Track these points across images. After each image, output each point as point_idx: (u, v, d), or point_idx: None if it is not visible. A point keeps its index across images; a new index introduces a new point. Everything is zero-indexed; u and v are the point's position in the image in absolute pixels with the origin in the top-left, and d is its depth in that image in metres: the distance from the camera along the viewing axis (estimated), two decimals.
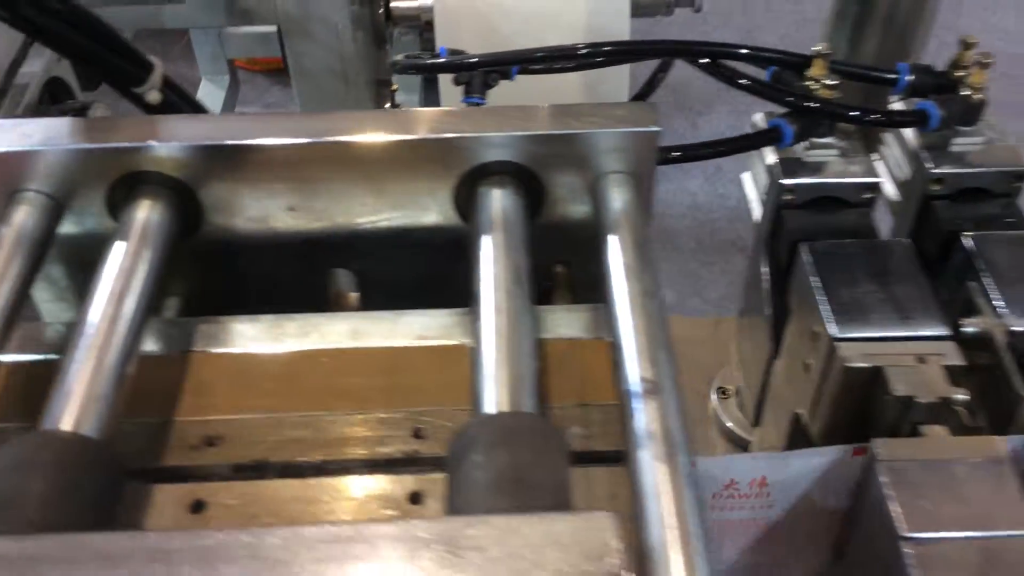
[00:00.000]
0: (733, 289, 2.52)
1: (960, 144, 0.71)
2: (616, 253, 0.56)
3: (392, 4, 1.37)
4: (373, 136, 0.58)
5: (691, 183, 2.72)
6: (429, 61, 0.79)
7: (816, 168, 0.71)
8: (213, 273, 0.65)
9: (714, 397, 1.01)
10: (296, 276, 0.65)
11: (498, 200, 0.59)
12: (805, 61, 0.72)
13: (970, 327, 0.62)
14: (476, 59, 0.77)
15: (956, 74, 0.71)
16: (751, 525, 0.58)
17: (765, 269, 0.73)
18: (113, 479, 0.48)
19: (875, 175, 0.70)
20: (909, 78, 0.73)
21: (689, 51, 0.72)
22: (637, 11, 1.04)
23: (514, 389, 0.49)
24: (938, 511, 0.51)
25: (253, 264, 0.64)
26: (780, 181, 0.70)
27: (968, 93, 0.70)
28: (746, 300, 0.80)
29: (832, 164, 0.71)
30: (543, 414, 0.52)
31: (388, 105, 1.60)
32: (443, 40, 1.17)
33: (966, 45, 0.70)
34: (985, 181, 0.70)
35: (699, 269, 2.56)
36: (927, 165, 0.70)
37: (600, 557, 0.39)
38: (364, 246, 0.63)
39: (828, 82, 0.70)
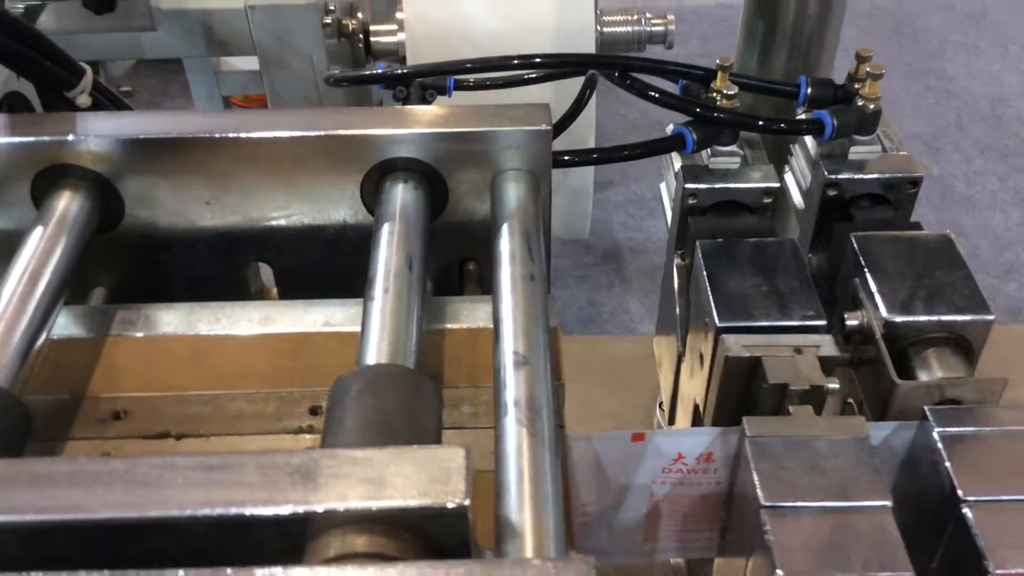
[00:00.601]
0: None
1: (857, 152, 0.74)
2: (505, 241, 0.60)
3: (372, 39, 1.42)
4: (281, 132, 0.62)
5: None
6: (359, 73, 0.83)
7: (718, 174, 0.74)
8: (137, 265, 0.68)
9: (657, 412, 1.03)
10: (216, 270, 0.68)
11: (399, 194, 0.62)
12: (709, 74, 0.75)
13: (852, 320, 0.66)
14: (404, 71, 0.81)
15: (854, 87, 0.75)
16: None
17: (674, 271, 0.76)
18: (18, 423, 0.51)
19: (774, 181, 0.74)
20: (808, 91, 0.76)
21: (601, 64, 0.76)
22: (608, 48, 1.08)
23: (393, 345, 0.53)
24: (796, 482, 0.54)
25: (175, 257, 0.68)
26: (684, 186, 0.73)
27: (862, 104, 0.74)
28: (661, 307, 0.83)
29: (734, 171, 0.74)
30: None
31: None
32: None
33: (860, 58, 0.74)
34: (880, 187, 0.73)
35: None
36: (824, 172, 0.73)
37: (445, 481, 0.42)
38: (280, 240, 0.67)
39: (727, 92, 0.73)
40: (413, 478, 0.42)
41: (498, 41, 1.16)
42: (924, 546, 0.56)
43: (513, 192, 0.63)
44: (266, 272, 0.70)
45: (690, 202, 0.74)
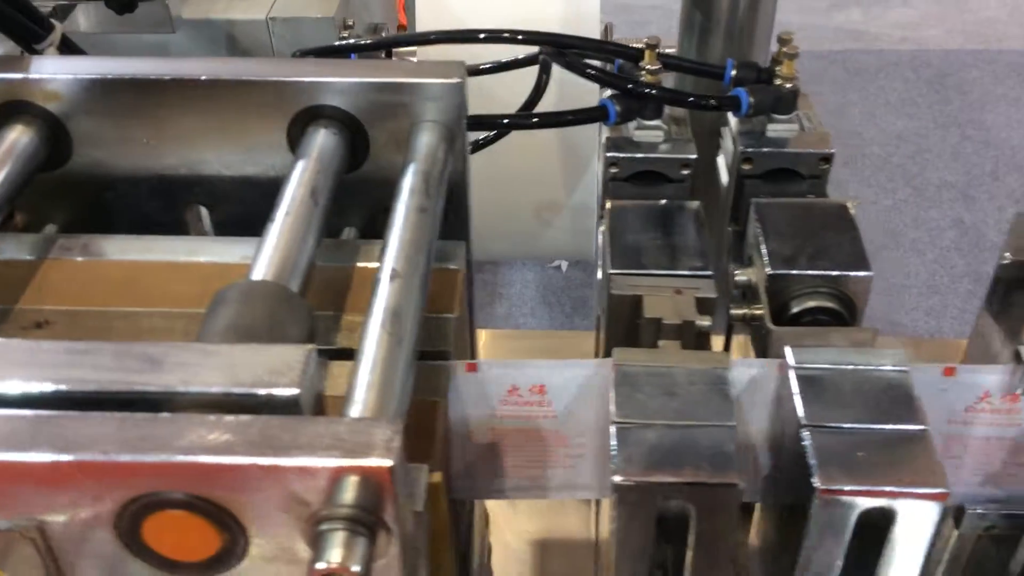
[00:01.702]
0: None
1: (775, 130, 0.78)
2: (407, 179, 0.64)
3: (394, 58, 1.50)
4: (209, 76, 0.68)
5: None
6: (325, 46, 0.88)
7: (640, 145, 0.78)
8: (85, 204, 0.74)
9: None
10: (158, 212, 0.74)
11: (319, 139, 0.67)
12: (640, 53, 0.80)
13: (741, 276, 0.69)
14: (370, 41, 0.87)
15: (775, 68, 0.79)
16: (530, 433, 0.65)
17: (598, 235, 0.80)
18: None
19: (692, 154, 0.77)
20: (733, 72, 0.80)
21: (535, 40, 0.81)
22: None
23: (279, 266, 0.57)
24: (649, 404, 0.57)
25: (120, 198, 0.74)
26: (606, 155, 0.78)
27: (780, 83, 0.77)
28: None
29: (655, 143, 0.78)
30: None
31: None
32: None
33: (781, 41, 0.78)
34: (793, 162, 0.77)
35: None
36: (739, 146, 0.77)
37: (283, 373, 0.47)
38: (215, 185, 0.73)
39: (651, 68, 0.78)
40: (255, 369, 0.46)
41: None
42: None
43: (425, 139, 0.67)
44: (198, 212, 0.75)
45: (612, 171, 0.78)
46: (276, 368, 0.46)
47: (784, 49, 0.77)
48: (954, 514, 0.69)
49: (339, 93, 0.68)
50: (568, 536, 1.05)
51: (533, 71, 0.82)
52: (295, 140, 0.69)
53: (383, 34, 1.59)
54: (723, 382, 0.59)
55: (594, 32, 1.22)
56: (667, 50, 0.93)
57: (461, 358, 0.67)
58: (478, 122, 0.74)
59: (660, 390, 0.58)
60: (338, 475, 0.42)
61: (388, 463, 0.41)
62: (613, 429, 0.56)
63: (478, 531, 0.94)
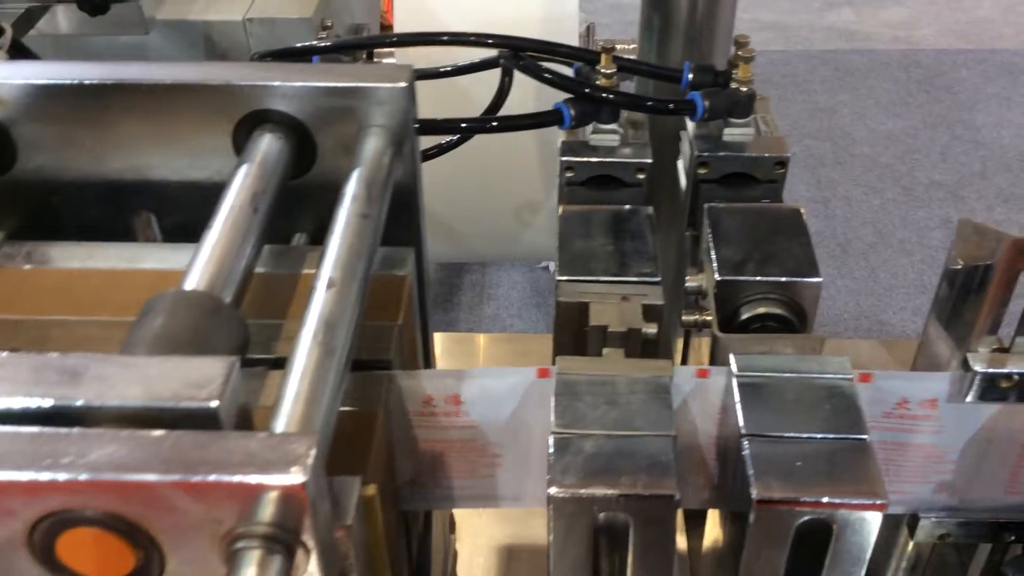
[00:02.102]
0: None
1: (731, 134, 0.77)
2: (351, 185, 0.63)
3: (375, 59, 1.49)
4: (152, 81, 0.67)
5: None
6: (283, 48, 0.88)
7: (596, 149, 0.77)
8: (31, 211, 0.73)
9: None
10: (105, 218, 0.73)
11: (262, 144, 0.67)
12: (597, 56, 0.79)
13: (692, 282, 0.68)
14: (327, 45, 0.86)
15: (732, 72, 0.78)
16: (446, 443, 0.64)
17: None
18: None
19: (647, 158, 0.77)
20: (690, 76, 0.79)
21: (490, 44, 0.80)
22: None
23: (214, 275, 0.57)
24: (589, 413, 0.57)
25: (66, 204, 0.73)
26: (560, 159, 0.77)
27: (736, 87, 0.77)
28: None
29: (611, 147, 0.78)
30: None
31: None
32: None
33: (737, 44, 0.77)
34: (748, 166, 0.76)
35: None
36: (695, 150, 0.76)
37: (202, 385, 0.46)
38: (162, 190, 0.72)
39: (605, 72, 0.77)
40: (173, 383, 0.45)
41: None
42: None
43: (371, 145, 0.67)
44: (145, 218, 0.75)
45: (567, 175, 0.77)
46: (195, 381, 0.46)
47: (740, 52, 0.76)
48: (908, 522, 0.69)
49: (284, 97, 0.67)
50: (535, 542, 1.05)
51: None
52: (241, 145, 0.69)
53: (364, 35, 1.59)
54: (664, 391, 0.58)
55: (572, 31, 1.22)
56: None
57: (409, 367, 0.66)
58: (433, 126, 0.73)
59: (601, 399, 0.57)
60: (252, 492, 0.41)
61: (301, 479, 0.41)
62: (551, 439, 0.55)
63: (440, 538, 0.93)
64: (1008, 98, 3.27)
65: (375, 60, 1.44)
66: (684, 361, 0.76)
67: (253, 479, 0.40)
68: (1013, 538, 0.68)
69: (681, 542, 0.86)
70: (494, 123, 0.76)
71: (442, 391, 0.61)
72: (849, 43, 3.49)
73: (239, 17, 1.55)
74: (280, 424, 0.47)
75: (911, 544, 0.70)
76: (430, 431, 0.63)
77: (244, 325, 0.55)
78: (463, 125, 0.76)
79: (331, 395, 0.51)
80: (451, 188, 1.78)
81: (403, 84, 0.66)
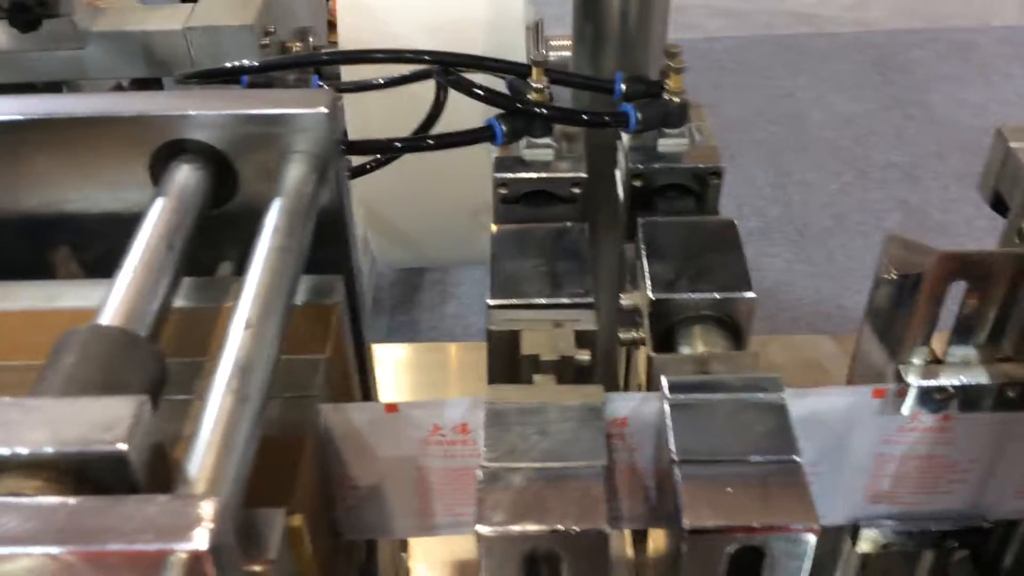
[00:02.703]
0: None
1: (665, 145, 0.76)
2: (271, 216, 0.62)
3: None
4: (64, 113, 0.65)
5: None
6: (209, 69, 0.86)
7: (529, 165, 0.76)
8: None
9: None
10: (24, 254, 0.71)
11: (179, 176, 0.65)
12: (528, 68, 0.78)
13: (626, 300, 0.67)
14: (253, 64, 0.84)
15: (664, 82, 0.77)
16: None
17: None
18: None
19: (582, 171, 0.75)
20: (623, 87, 0.78)
21: (418, 60, 0.78)
22: None
23: (129, 310, 0.55)
24: (519, 444, 0.56)
25: None
26: (494, 175, 0.76)
27: (669, 98, 0.75)
28: None
29: (545, 162, 0.76)
30: None
31: None
32: None
33: (669, 54, 0.76)
34: (683, 177, 0.75)
35: None
36: (629, 163, 0.75)
37: (110, 428, 0.44)
38: (80, 225, 0.70)
39: (536, 86, 0.76)
40: (79, 426, 0.44)
41: (431, 34, 1.20)
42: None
43: (293, 172, 0.65)
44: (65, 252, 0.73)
45: (501, 192, 0.76)
46: (103, 423, 0.44)
47: (671, 63, 0.75)
48: (850, 533, 0.68)
49: (201, 127, 0.65)
50: None
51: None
52: (158, 176, 0.67)
53: (310, 39, 1.57)
54: (596, 418, 0.57)
55: (518, 32, 1.20)
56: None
57: (341, 399, 0.65)
58: (363, 146, 0.72)
59: (532, 428, 0.56)
60: (154, 560, 0.39)
61: (204, 546, 0.39)
62: (479, 473, 0.54)
63: (391, 558, 0.92)
64: (961, 77, 3.29)
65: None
66: (627, 378, 0.75)
67: (154, 547, 0.39)
68: (957, 544, 0.68)
69: (629, 552, 0.86)
70: (427, 141, 0.74)
71: (451, 419, 0.60)
72: (809, 26, 3.49)
73: (179, 27, 1.52)
74: (189, 478, 0.46)
75: (855, 553, 0.70)
76: (438, 460, 0.62)
77: (161, 361, 0.54)
78: (396, 144, 0.75)
79: (244, 444, 0.49)
80: (405, 194, 1.76)
81: (324, 110, 0.65)
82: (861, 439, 0.62)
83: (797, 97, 3.23)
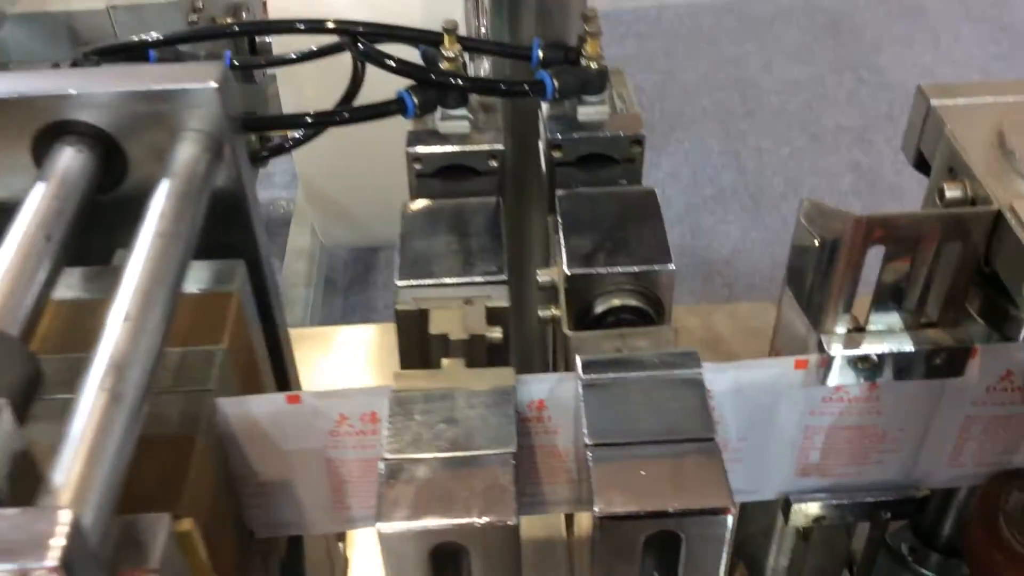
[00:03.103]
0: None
1: (585, 113, 0.73)
2: (158, 199, 0.58)
3: (258, 40, 1.42)
4: None
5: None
6: (113, 44, 0.81)
7: (444, 138, 0.73)
8: None
9: None
10: None
11: (62, 159, 0.61)
12: (440, 36, 0.74)
13: (543, 276, 0.64)
14: (160, 38, 0.80)
15: (583, 48, 0.74)
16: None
17: None
18: None
19: (499, 143, 0.72)
20: (540, 53, 0.75)
21: (325, 30, 0.75)
22: None
23: None
24: (423, 434, 0.53)
25: None
26: (407, 150, 0.72)
27: (587, 64, 0.72)
28: None
29: (461, 134, 0.73)
30: None
31: None
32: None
33: (586, 19, 0.73)
34: (603, 146, 0.72)
35: None
36: (547, 133, 0.72)
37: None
38: None
39: (448, 55, 0.72)
40: None
41: (367, 5, 1.15)
42: None
43: (183, 152, 0.61)
44: None
45: (416, 166, 0.72)
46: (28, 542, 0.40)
47: (587, 28, 0.72)
48: (782, 507, 0.66)
49: (83, 106, 0.61)
50: None
51: None
52: (41, 160, 0.63)
53: (243, 14, 1.51)
54: (507, 402, 0.54)
55: (455, 7, 1.15)
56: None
57: (247, 391, 0.62)
58: (267, 123, 0.68)
59: (438, 416, 0.53)
60: None
61: (55, 563, 0.36)
62: (381, 466, 0.51)
63: (326, 550, 0.89)
64: (910, 37, 3.28)
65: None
66: (554, 356, 0.73)
67: (2, 567, 0.36)
68: (891, 515, 0.66)
69: (563, 533, 0.83)
70: (335, 117, 0.70)
71: (356, 409, 0.57)
72: None
73: (102, 5, 1.47)
74: (53, 487, 0.42)
75: (788, 529, 0.68)
76: (348, 451, 0.59)
77: (33, 360, 0.50)
78: (304, 120, 0.71)
79: (119, 447, 0.46)
80: (346, 173, 1.72)
81: (212, 84, 0.61)
82: (787, 412, 0.60)
83: (745, 63, 3.21)
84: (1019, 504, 0.61)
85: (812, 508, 0.65)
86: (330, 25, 0.75)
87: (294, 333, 0.85)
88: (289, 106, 1.55)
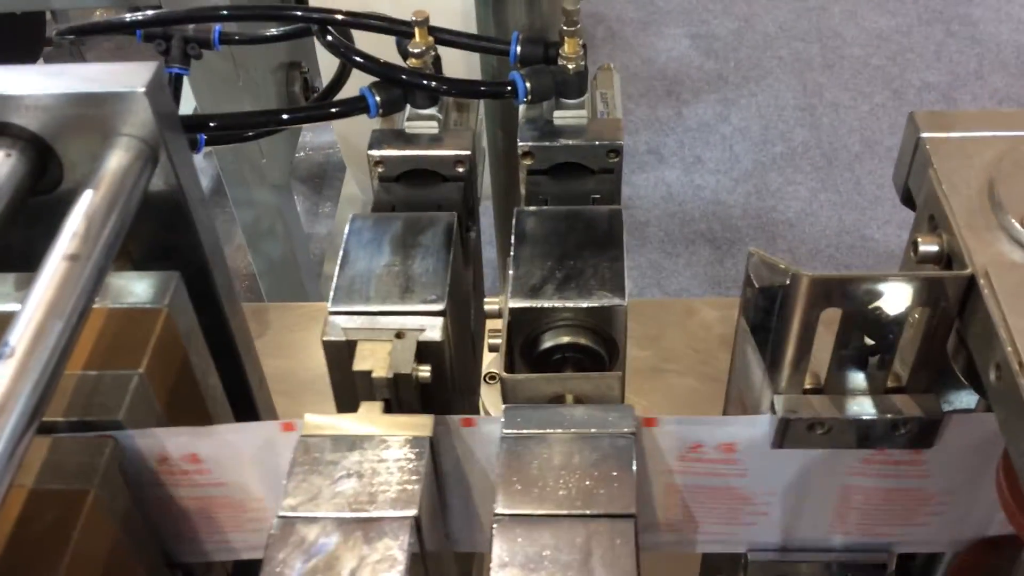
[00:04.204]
0: (695, 281, 2.48)
1: (562, 117, 0.68)
2: (74, 216, 0.55)
3: None
4: None
5: (668, 173, 2.68)
6: (89, 22, 0.78)
7: (410, 140, 0.68)
8: None
9: None
10: None
11: None
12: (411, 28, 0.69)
13: (491, 305, 0.60)
14: (129, 20, 0.77)
15: (560, 48, 0.68)
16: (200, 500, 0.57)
17: None
18: None
19: (466, 148, 0.67)
20: (518, 48, 0.69)
21: (293, 18, 0.70)
22: None
23: None
24: (323, 488, 0.49)
25: None
26: (368, 152, 0.68)
27: (563, 63, 0.67)
28: None
29: (429, 136, 0.68)
30: None
31: (299, 87, 1.61)
32: None
33: (564, 13, 0.67)
34: (578, 155, 0.67)
35: (663, 260, 2.53)
36: (518, 139, 0.67)
37: None
38: None
39: (415, 50, 0.67)
40: None
41: None
42: None
43: (112, 159, 0.58)
44: None
45: (378, 170, 0.68)
46: None
47: (565, 25, 0.66)
48: (742, 562, 0.61)
49: (12, 108, 0.58)
50: None
51: None
52: None
53: None
54: (419, 458, 0.50)
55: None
56: None
57: (180, 418, 0.59)
58: (197, 123, 0.64)
59: (343, 470, 0.50)
60: None
61: None
62: (275, 522, 0.48)
63: None
64: None
65: None
66: None
67: None
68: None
69: None
70: (291, 116, 0.66)
71: (178, 450, 0.53)
72: None
73: None
74: None
75: None
76: (180, 489, 0.56)
77: None
78: (259, 119, 0.67)
79: None
80: None
81: (140, 89, 0.57)
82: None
83: (828, 11, 3.07)
84: (996, 574, 0.56)
85: (771, 565, 0.60)
86: (299, 13, 0.71)
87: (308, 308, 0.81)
88: None
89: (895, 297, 0.46)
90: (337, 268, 0.60)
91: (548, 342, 0.57)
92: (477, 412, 0.76)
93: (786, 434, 0.51)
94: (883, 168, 2.66)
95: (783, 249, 2.48)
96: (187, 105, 1.90)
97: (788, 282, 0.45)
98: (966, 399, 0.56)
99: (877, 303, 0.46)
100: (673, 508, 0.56)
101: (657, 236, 2.52)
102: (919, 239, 0.48)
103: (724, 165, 2.66)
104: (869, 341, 0.49)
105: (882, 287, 0.45)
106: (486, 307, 0.59)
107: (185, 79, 0.83)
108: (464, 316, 0.67)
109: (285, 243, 1.74)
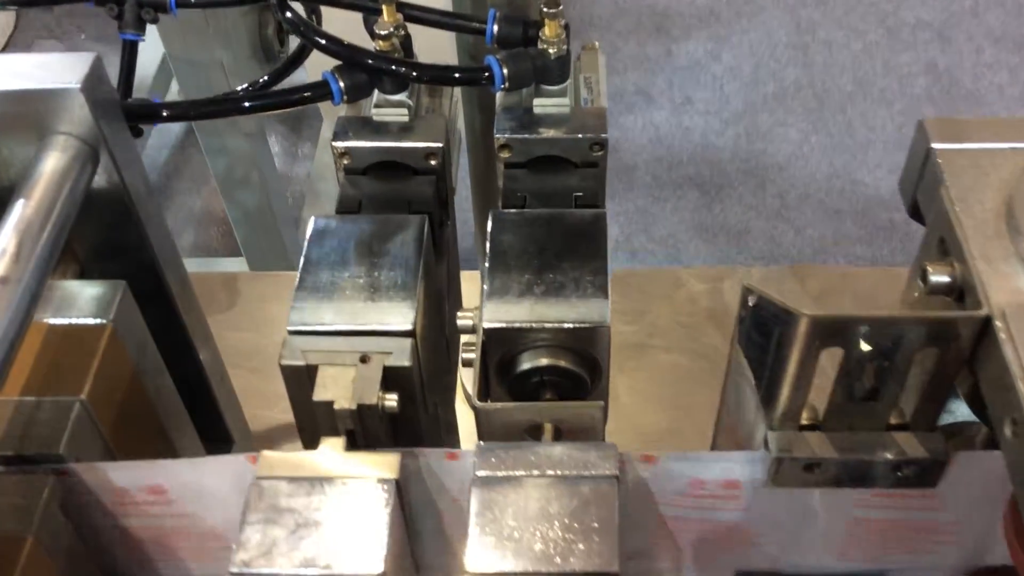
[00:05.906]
0: (683, 227, 2.43)
1: (542, 106, 0.62)
2: (8, 229, 0.50)
3: None
4: None
5: (656, 114, 2.62)
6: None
7: (377, 129, 0.63)
8: None
9: None
10: None
11: None
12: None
13: (463, 320, 0.55)
14: None
15: (541, 31, 0.62)
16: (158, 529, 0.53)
17: None
18: None
19: (437, 140, 0.62)
20: (496, 28, 0.64)
21: None
22: None
23: None
24: (279, 540, 0.45)
25: None
26: (332, 143, 0.63)
27: (544, 48, 0.61)
28: None
29: (397, 126, 0.63)
30: None
31: (272, 30, 1.54)
32: None
33: None
34: (559, 148, 0.62)
35: (651, 205, 2.48)
36: (495, 130, 0.62)
37: None
38: None
39: (382, 32, 0.62)
40: None
41: None
42: None
43: (47, 164, 0.53)
44: None
45: (344, 162, 0.63)
46: None
47: (545, 7, 0.60)
48: None
49: None
50: None
51: None
52: None
53: None
54: (385, 504, 0.46)
55: None
56: None
57: (129, 444, 0.54)
58: (151, 112, 0.59)
59: (300, 518, 0.46)
60: None
61: None
62: (233, 569, 0.44)
63: None
64: None
65: None
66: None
67: None
68: None
69: None
70: (244, 104, 0.61)
71: (138, 482, 0.49)
72: None
73: None
74: None
75: None
76: (133, 519, 0.52)
77: None
78: (210, 108, 0.62)
79: None
80: None
81: (75, 85, 0.52)
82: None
83: None
84: None
85: None
86: None
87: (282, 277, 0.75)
88: None
89: (902, 338, 0.42)
90: (297, 278, 0.55)
91: (525, 364, 0.53)
92: (453, 410, 0.72)
93: (780, 473, 0.47)
94: (875, 110, 2.60)
95: (772, 194, 2.43)
96: (156, 52, 1.83)
97: (787, 321, 0.41)
98: (966, 409, 0.52)
99: (880, 343, 0.42)
100: (670, 547, 0.52)
101: (644, 181, 2.46)
102: (929, 267, 0.44)
103: (714, 106, 2.60)
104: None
105: (888, 328, 0.41)
106: (459, 321, 0.54)
107: (153, 29, 0.78)
108: (437, 320, 0.62)
109: (260, 192, 1.69)
